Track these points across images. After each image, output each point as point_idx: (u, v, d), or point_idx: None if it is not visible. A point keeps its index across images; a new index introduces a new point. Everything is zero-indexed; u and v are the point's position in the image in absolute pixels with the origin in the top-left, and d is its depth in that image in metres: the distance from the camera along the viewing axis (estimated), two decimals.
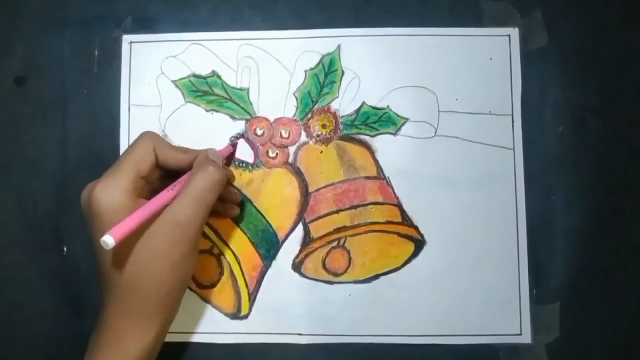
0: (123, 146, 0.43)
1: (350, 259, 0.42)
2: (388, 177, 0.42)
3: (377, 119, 0.43)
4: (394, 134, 0.42)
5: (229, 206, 0.42)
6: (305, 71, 0.43)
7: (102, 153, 0.43)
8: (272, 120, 0.43)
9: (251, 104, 0.43)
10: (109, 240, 0.30)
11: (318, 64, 0.43)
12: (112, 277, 0.34)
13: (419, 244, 0.42)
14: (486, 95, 0.42)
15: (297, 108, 0.43)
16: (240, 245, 0.42)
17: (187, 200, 0.34)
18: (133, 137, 0.42)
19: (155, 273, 0.34)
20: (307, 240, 0.42)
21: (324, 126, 0.43)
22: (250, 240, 0.42)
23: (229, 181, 0.41)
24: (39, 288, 0.42)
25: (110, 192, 0.34)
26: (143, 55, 0.43)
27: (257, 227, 0.42)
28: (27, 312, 0.42)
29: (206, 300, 0.42)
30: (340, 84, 0.43)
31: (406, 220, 0.42)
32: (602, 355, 0.41)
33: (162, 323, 0.36)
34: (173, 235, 0.34)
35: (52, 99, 0.43)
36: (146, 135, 0.37)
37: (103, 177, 0.35)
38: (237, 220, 0.42)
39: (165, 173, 0.38)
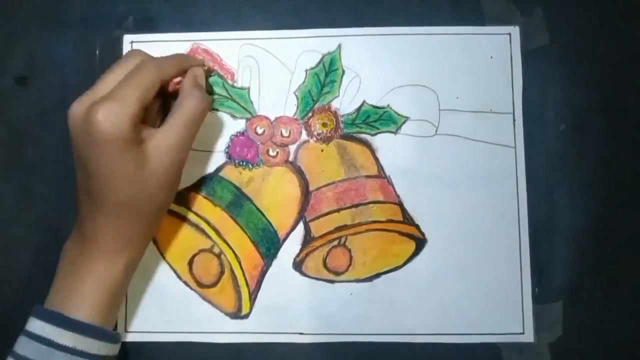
0: None
1: (351, 258, 0.42)
2: (389, 176, 0.42)
3: (378, 118, 0.43)
4: (395, 133, 0.42)
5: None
6: (306, 70, 0.43)
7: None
8: (272, 119, 0.43)
9: (252, 103, 0.43)
10: None
11: (319, 63, 0.43)
12: (104, 199, 0.35)
13: (420, 242, 0.42)
14: (487, 94, 0.42)
15: (297, 107, 0.43)
16: (240, 244, 0.42)
17: (179, 124, 0.36)
18: None
19: (147, 193, 0.36)
20: (307, 239, 0.42)
21: (324, 125, 0.43)
22: (251, 240, 0.42)
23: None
24: (39, 288, 0.42)
25: (116, 120, 0.33)
26: None
27: (258, 226, 0.42)
28: (26, 312, 0.42)
29: (206, 299, 0.42)
30: (340, 83, 0.43)
31: (407, 219, 0.42)
32: (605, 353, 0.41)
33: (149, 237, 0.39)
34: (164, 159, 0.35)
35: (53, 99, 0.43)
36: (147, 62, 0.36)
37: (107, 99, 0.33)
38: (238, 219, 0.42)
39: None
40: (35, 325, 0.35)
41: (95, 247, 0.36)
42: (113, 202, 0.35)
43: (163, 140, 0.36)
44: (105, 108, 0.33)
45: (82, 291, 0.36)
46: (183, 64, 0.39)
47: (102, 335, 0.36)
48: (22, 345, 0.34)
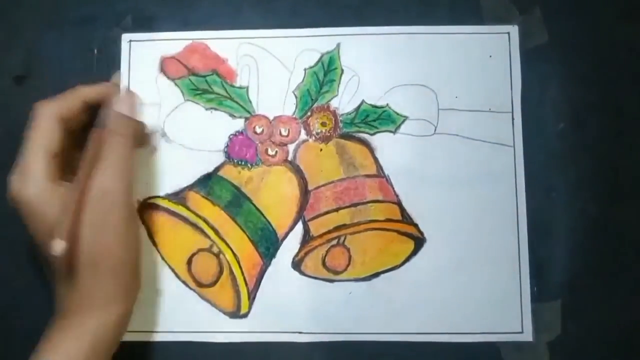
0: None
1: (350, 257, 0.42)
2: (388, 175, 0.42)
3: (377, 117, 0.43)
4: (394, 132, 0.42)
5: (142, 138, 0.41)
6: (305, 69, 0.43)
7: None
8: (271, 118, 0.43)
9: (250, 102, 0.43)
10: (59, 245, 0.30)
11: (317, 62, 0.43)
12: (56, 265, 0.34)
13: (419, 241, 0.42)
14: (486, 93, 0.42)
15: (296, 106, 0.43)
16: (239, 243, 0.42)
17: (108, 166, 0.34)
18: None
19: (96, 244, 0.33)
20: (306, 238, 0.42)
21: (323, 124, 0.43)
22: (250, 239, 0.42)
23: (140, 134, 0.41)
24: (38, 288, 0.42)
25: (29, 184, 0.33)
26: (142, 54, 0.43)
27: (257, 225, 0.42)
28: (25, 312, 0.42)
29: (205, 299, 0.42)
30: (339, 83, 0.43)
31: (406, 218, 0.42)
32: (603, 352, 0.41)
33: (119, 298, 0.35)
34: (104, 204, 0.34)
35: None
36: (41, 107, 0.35)
37: (15, 170, 0.34)
38: (237, 219, 0.42)
39: (75, 135, 0.37)
40: None
41: (58, 315, 0.34)
42: (60, 266, 0.34)
43: (93, 187, 0.34)
44: (14, 178, 0.34)
45: None
46: (86, 92, 0.38)
47: None
48: None
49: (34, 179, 0.33)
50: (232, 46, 0.43)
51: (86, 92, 0.38)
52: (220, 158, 0.43)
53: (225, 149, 0.43)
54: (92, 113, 0.39)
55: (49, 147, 0.34)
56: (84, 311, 0.34)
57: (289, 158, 0.42)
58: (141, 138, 0.41)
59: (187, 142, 0.43)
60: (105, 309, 0.34)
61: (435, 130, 0.42)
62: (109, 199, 0.34)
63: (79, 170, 0.34)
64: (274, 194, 0.42)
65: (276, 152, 0.43)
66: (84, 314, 0.34)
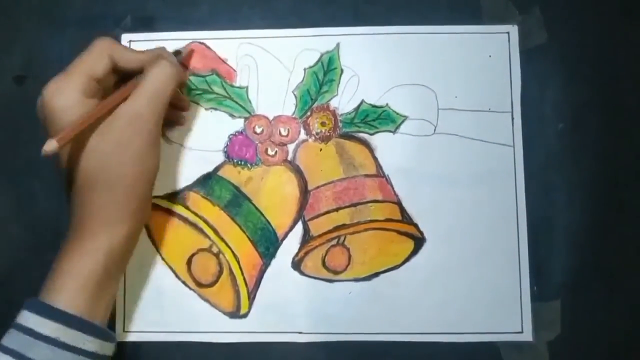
0: None
1: (350, 257, 0.42)
2: (387, 175, 0.42)
3: (376, 117, 0.43)
4: (393, 132, 0.42)
5: (177, 113, 0.42)
6: (305, 69, 0.43)
7: None
8: (271, 118, 0.43)
9: (250, 102, 0.43)
10: (50, 145, 0.30)
11: (317, 62, 0.43)
12: (76, 178, 0.35)
13: (419, 241, 0.42)
14: (485, 93, 0.42)
15: (296, 106, 0.43)
16: (239, 243, 0.42)
17: (144, 93, 0.35)
18: None
19: (116, 165, 0.34)
20: (306, 238, 0.42)
21: (323, 124, 0.43)
22: (250, 239, 0.42)
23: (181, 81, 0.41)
24: (37, 288, 0.42)
25: (62, 91, 0.34)
26: None
27: (257, 225, 0.42)
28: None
29: (205, 299, 0.42)
30: (339, 82, 0.43)
31: (406, 218, 0.42)
32: (603, 352, 0.41)
33: (130, 218, 0.36)
34: (131, 127, 0.34)
35: None
36: (100, 39, 0.37)
37: (54, 78, 0.35)
38: (236, 219, 0.42)
39: (122, 80, 0.38)
40: (21, 315, 0.34)
41: (72, 235, 0.35)
42: (80, 178, 0.34)
43: (125, 110, 0.34)
44: (50, 84, 0.35)
45: (61, 282, 0.34)
46: (142, 52, 0.38)
47: (88, 328, 0.34)
48: (9, 337, 0.33)
49: (69, 88, 0.34)
50: (231, 46, 0.43)
51: (144, 54, 0.38)
52: (220, 158, 0.43)
53: (225, 149, 0.43)
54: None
55: (92, 68, 0.36)
56: (95, 229, 0.35)
57: (289, 158, 0.42)
58: (177, 99, 0.42)
59: (187, 142, 0.43)
60: (114, 228, 0.35)
61: (434, 130, 0.42)
62: (139, 123, 0.35)
63: (115, 92, 0.35)
64: (274, 193, 0.42)
65: (276, 152, 0.43)
66: (95, 232, 0.35)
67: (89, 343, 0.34)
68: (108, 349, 0.36)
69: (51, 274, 0.35)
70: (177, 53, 0.41)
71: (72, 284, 0.34)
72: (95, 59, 0.36)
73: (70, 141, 0.32)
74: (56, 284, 0.34)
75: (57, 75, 0.35)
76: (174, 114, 0.42)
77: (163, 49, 0.40)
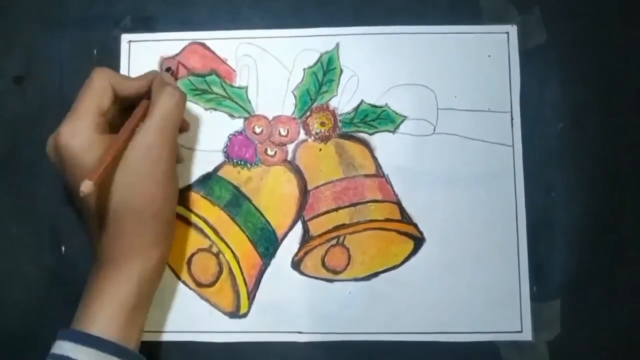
0: None
1: (349, 257, 0.42)
2: (387, 175, 0.42)
3: (376, 117, 0.43)
4: (393, 132, 0.42)
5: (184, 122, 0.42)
6: (304, 69, 0.43)
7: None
8: (270, 118, 0.43)
9: (250, 102, 0.43)
10: (87, 186, 0.31)
11: (317, 62, 0.43)
12: (102, 213, 0.35)
13: (419, 241, 0.42)
14: (485, 93, 0.42)
15: (295, 106, 0.43)
16: (239, 243, 0.42)
17: (155, 124, 0.36)
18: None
19: (141, 193, 0.35)
20: (306, 238, 0.42)
21: (322, 124, 0.43)
22: (249, 239, 0.42)
23: None
24: (37, 288, 0.42)
25: (77, 133, 0.35)
26: (142, 54, 0.43)
27: (256, 225, 0.42)
28: (25, 311, 0.42)
29: (205, 299, 0.42)
30: (339, 82, 0.43)
31: (405, 218, 0.42)
32: (603, 351, 0.41)
33: (161, 241, 0.37)
34: (148, 158, 0.35)
35: (51, 99, 0.43)
36: (99, 70, 0.37)
37: (66, 121, 0.35)
38: (236, 219, 0.42)
39: (122, 108, 0.39)
40: (56, 346, 0.34)
41: (104, 263, 0.36)
42: (107, 212, 0.35)
43: (140, 141, 0.35)
44: (66, 127, 0.35)
45: (95, 309, 0.35)
46: (141, 77, 0.39)
47: (122, 353, 0.34)
48: None
49: (83, 129, 0.35)
50: (231, 46, 0.43)
51: (140, 80, 0.39)
52: (219, 158, 0.43)
53: (225, 149, 0.43)
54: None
55: (99, 104, 0.36)
56: (129, 256, 0.36)
57: (289, 158, 0.43)
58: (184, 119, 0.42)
59: (187, 142, 0.43)
60: (147, 253, 0.36)
61: (434, 130, 0.42)
62: (154, 153, 0.35)
63: (125, 124, 0.36)
64: (274, 194, 0.42)
65: (275, 152, 0.43)
66: (129, 259, 0.36)
67: None
68: None
69: (83, 303, 0.36)
70: (168, 70, 0.42)
71: (107, 311, 0.35)
72: (100, 93, 0.36)
73: (101, 179, 0.33)
74: (90, 311, 0.35)
75: (68, 116, 0.36)
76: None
77: (157, 72, 0.40)
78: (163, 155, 0.36)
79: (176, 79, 0.43)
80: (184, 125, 0.43)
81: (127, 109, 0.38)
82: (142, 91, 0.38)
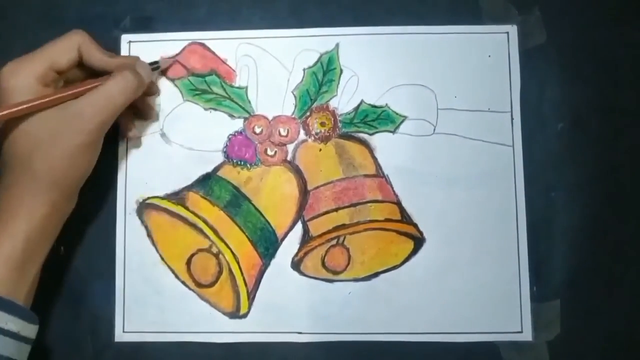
0: (122, 145, 0.43)
1: (349, 257, 0.42)
2: (387, 175, 0.42)
3: (376, 117, 0.43)
4: (393, 132, 0.42)
5: (127, 120, 0.42)
6: (304, 70, 0.43)
7: (101, 152, 0.42)
8: (270, 118, 0.43)
9: (250, 102, 0.43)
10: None
11: (316, 62, 0.43)
12: (6, 157, 0.36)
13: (419, 241, 0.42)
14: (485, 93, 0.42)
15: (295, 106, 0.43)
16: (239, 244, 0.42)
17: (96, 96, 0.36)
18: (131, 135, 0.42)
19: (46, 155, 0.35)
20: (306, 238, 0.42)
21: (322, 124, 0.43)
22: (249, 239, 0.42)
23: (152, 94, 0.42)
24: (37, 287, 0.42)
25: (17, 74, 0.35)
26: (142, 54, 0.43)
27: (256, 225, 0.42)
28: None
29: (205, 299, 0.42)
30: (338, 83, 0.43)
31: (405, 218, 0.42)
32: (603, 351, 0.41)
33: (52, 204, 0.36)
34: (69, 123, 0.35)
35: None
36: (74, 32, 0.38)
37: (16, 59, 0.36)
38: (236, 219, 0.42)
39: (88, 76, 0.39)
40: None
41: None
42: (11, 161, 0.35)
43: (70, 106, 0.35)
44: (11, 63, 0.35)
45: None
46: (113, 55, 0.39)
47: (10, 307, 0.34)
48: None
49: (25, 73, 0.35)
50: (231, 46, 0.43)
51: (113, 59, 0.39)
52: (219, 158, 0.43)
53: (225, 149, 0.43)
54: None
55: (55, 59, 0.36)
56: (15, 212, 0.35)
57: (288, 158, 0.42)
58: (144, 105, 0.42)
59: (186, 142, 0.43)
60: (34, 214, 0.36)
61: (434, 130, 0.42)
62: (79, 121, 0.35)
63: (70, 86, 0.36)
64: (273, 194, 0.42)
65: (275, 152, 0.43)
66: (15, 215, 0.35)
67: (10, 323, 0.34)
68: (30, 330, 0.35)
69: None
70: (153, 64, 0.41)
71: None
72: (62, 50, 0.37)
73: (5, 118, 0.33)
74: None
75: (21, 56, 0.36)
76: (143, 108, 0.42)
77: (136, 58, 0.40)
78: (87, 128, 0.35)
79: (164, 74, 0.43)
80: (147, 111, 0.42)
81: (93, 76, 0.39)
82: (108, 68, 0.38)
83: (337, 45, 0.43)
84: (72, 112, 0.35)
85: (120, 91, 0.36)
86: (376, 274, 0.41)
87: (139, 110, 0.42)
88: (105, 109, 0.36)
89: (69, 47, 0.37)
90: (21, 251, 0.35)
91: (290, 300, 0.41)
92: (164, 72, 0.43)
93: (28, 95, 0.35)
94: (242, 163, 0.43)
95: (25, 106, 0.34)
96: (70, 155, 0.36)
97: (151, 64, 0.41)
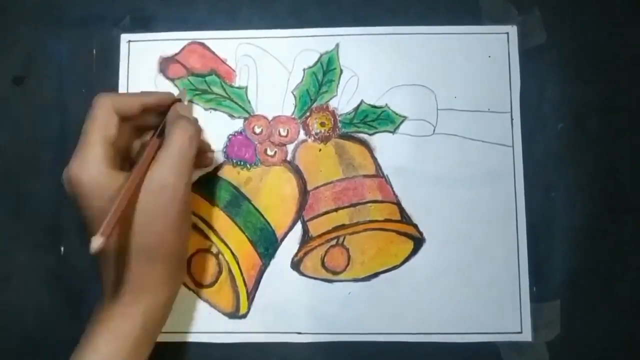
0: None
1: (349, 257, 0.42)
2: (387, 175, 0.42)
3: (376, 117, 0.43)
4: (393, 132, 0.42)
5: (204, 156, 0.42)
6: (304, 70, 0.43)
7: None
8: (270, 118, 0.43)
9: (249, 102, 0.43)
10: (97, 242, 0.30)
11: (316, 62, 0.43)
12: (111, 252, 0.35)
13: (418, 242, 0.42)
14: (485, 93, 0.42)
15: (295, 106, 0.43)
16: (238, 244, 0.42)
17: (169, 159, 0.34)
18: None
19: (153, 233, 0.34)
20: (306, 238, 0.42)
21: (322, 124, 0.43)
22: (249, 239, 0.42)
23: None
24: (36, 288, 0.42)
25: (86, 167, 0.34)
26: (141, 54, 0.43)
27: (256, 225, 0.42)
28: (24, 312, 0.42)
29: (204, 299, 0.42)
30: (338, 83, 0.43)
31: (405, 218, 0.42)
32: (603, 352, 0.41)
33: (170, 281, 0.36)
34: (161, 198, 0.34)
35: (51, 98, 0.43)
36: (99, 98, 0.36)
37: (75, 154, 0.34)
38: (236, 219, 0.42)
39: (133, 129, 0.38)
40: None
41: (110, 300, 0.35)
42: (115, 253, 0.34)
43: (153, 181, 0.34)
44: (73, 162, 0.34)
45: (97, 344, 0.34)
46: (146, 96, 0.38)
47: None
48: None
49: (93, 162, 0.34)
50: (231, 46, 0.43)
51: (145, 94, 0.38)
52: (219, 158, 0.43)
53: (224, 149, 0.43)
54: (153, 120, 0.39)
55: (106, 134, 0.35)
56: (136, 294, 0.35)
57: (288, 158, 0.42)
58: (201, 151, 0.42)
59: (214, 158, 0.43)
60: (155, 292, 0.36)
61: (434, 130, 0.42)
62: (168, 192, 0.34)
63: (138, 162, 0.35)
64: (273, 194, 0.42)
65: (275, 152, 0.43)
66: (136, 297, 0.35)
67: None
68: None
69: (86, 337, 0.34)
70: (179, 100, 0.40)
71: (110, 345, 0.34)
72: (104, 122, 0.35)
73: (110, 232, 0.32)
74: (93, 345, 0.34)
75: (76, 149, 0.35)
76: (199, 158, 0.41)
77: (171, 95, 0.39)
78: (177, 195, 0.34)
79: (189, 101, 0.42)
80: (205, 148, 0.42)
81: (139, 130, 0.38)
82: (149, 106, 0.37)
83: (337, 45, 0.43)
84: (158, 187, 0.34)
85: (187, 144, 0.35)
86: (376, 274, 0.41)
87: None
88: (183, 168, 0.35)
89: (106, 114, 0.36)
90: (141, 331, 0.35)
91: (289, 301, 0.41)
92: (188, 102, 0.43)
93: (105, 182, 0.34)
94: (242, 163, 0.42)
95: (118, 206, 0.32)
96: (174, 226, 0.35)
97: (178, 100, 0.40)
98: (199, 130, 0.36)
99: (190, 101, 0.42)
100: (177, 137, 0.35)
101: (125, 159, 0.38)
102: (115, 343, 0.34)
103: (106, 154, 0.35)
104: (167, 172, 0.34)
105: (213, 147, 0.43)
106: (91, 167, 0.34)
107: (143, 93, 0.38)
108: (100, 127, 0.35)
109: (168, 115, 0.37)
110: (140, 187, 0.33)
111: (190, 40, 0.43)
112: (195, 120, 0.38)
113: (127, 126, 0.38)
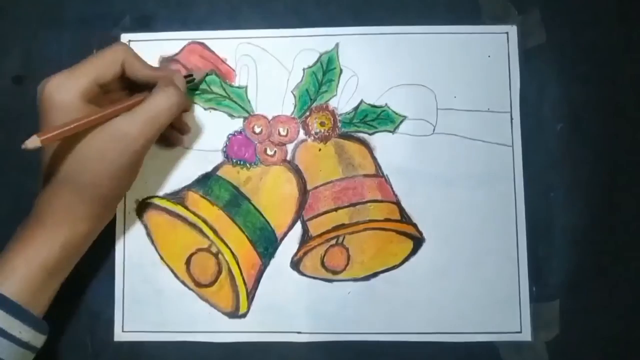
0: None
1: (349, 257, 0.42)
2: (387, 175, 0.42)
3: (376, 117, 0.43)
4: (392, 132, 0.42)
5: (175, 134, 0.42)
6: (304, 69, 0.43)
7: None
8: (270, 118, 0.43)
9: (249, 102, 0.43)
10: (31, 141, 0.31)
11: (316, 62, 0.43)
12: (50, 170, 0.36)
13: (418, 241, 0.42)
14: (485, 93, 0.42)
15: (295, 106, 0.43)
16: (238, 243, 0.42)
17: (141, 115, 0.35)
18: None
19: (92, 173, 0.35)
20: (305, 238, 0.42)
21: (322, 124, 0.43)
22: (249, 239, 0.42)
23: (184, 110, 0.42)
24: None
25: (63, 89, 0.35)
26: (141, 54, 0.43)
27: (255, 225, 0.42)
28: None
29: (204, 299, 0.42)
30: (338, 82, 0.43)
31: (405, 218, 0.42)
32: (602, 352, 0.41)
33: (94, 219, 0.37)
34: (116, 144, 0.35)
35: None
36: (117, 44, 0.38)
37: (60, 73, 0.35)
38: (235, 219, 0.42)
39: (127, 88, 0.39)
40: None
41: (34, 222, 0.36)
42: (54, 175, 0.35)
43: (116, 126, 0.35)
44: (56, 78, 0.35)
45: (13, 265, 0.34)
46: (157, 72, 0.38)
47: (27, 318, 0.34)
48: None
49: (71, 90, 0.35)
50: (230, 46, 0.43)
51: (157, 70, 0.39)
52: (219, 158, 0.43)
53: (224, 149, 0.43)
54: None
55: (101, 73, 0.36)
56: (58, 221, 0.36)
57: (288, 158, 0.42)
58: (178, 122, 0.42)
59: (186, 142, 0.43)
60: (76, 225, 0.36)
61: (434, 130, 0.42)
62: (125, 141, 0.35)
63: (115, 103, 0.36)
64: (273, 193, 0.42)
65: (275, 151, 0.43)
66: (57, 224, 0.36)
67: (24, 332, 0.34)
68: (40, 340, 0.36)
69: (4, 255, 0.35)
70: (188, 76, 0.41)
71: (22, 271, 0.34)
72: (107, 64, 0.36)
73: (53, 142, 0.33)
74: (6, 267, 0.35)
75: (63, 71, 0.35)
76: (172, 133, 0.42)
77: (177, 72, 0.40)
78: (133, 148, 0.35)
79: (196, 88, 0.43)
80: (183, 128, 0.42)
81: (131, 91, 0.39)
82: (151, 81, 0.38)
83: (337, 45, 0.43)
84: (118, 133, 0.35)
85: (165, 109, 0.36)
86: (375, 274, 0.42)
87: (173, 125, 0.41)
88: (151, 129, 0.35)
89: (113, 60, 0.36)
90: (55, 261, 0.36)
91: (289, 300, 0.41)
92: (195, 84, 0.42)
93: (72, 112, 0.34)
94: (242, 163, 0.43)
95: (72, 126, 0.33)
96: (117, 174, 0.36)
97: (186, 76, 0.40)
98: (182, 105, 0.37)
99: (193, 81, 0.42)
100: (158, 100, 0.36)
101: (107, 102, 0.38)
102: (27, 270, 0.34)
103: (89, 88, 0.35)
104: (133, 123, 0.35)
105: (213, 146, 0.43)
106: (65, 93, 0.35)
107: (153, 69, 0.38)
108: (101, 65, 0.36)
109: (161, 79, 0.37)
110: (102, 125, 0.34)
111: (190, 40, 0.43)
112: (187, 98, 0.39)
113: (124, 83, 0.38)
